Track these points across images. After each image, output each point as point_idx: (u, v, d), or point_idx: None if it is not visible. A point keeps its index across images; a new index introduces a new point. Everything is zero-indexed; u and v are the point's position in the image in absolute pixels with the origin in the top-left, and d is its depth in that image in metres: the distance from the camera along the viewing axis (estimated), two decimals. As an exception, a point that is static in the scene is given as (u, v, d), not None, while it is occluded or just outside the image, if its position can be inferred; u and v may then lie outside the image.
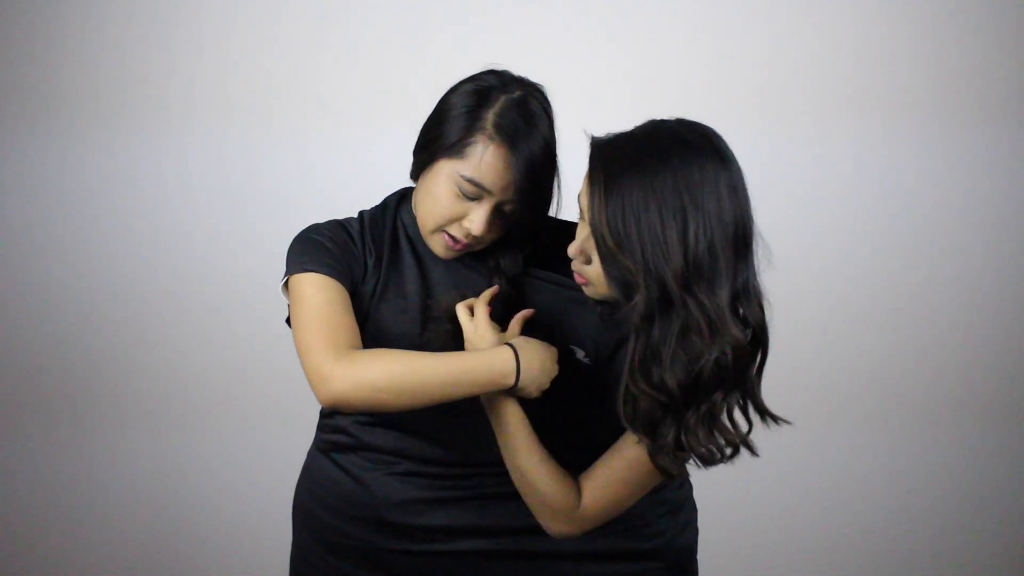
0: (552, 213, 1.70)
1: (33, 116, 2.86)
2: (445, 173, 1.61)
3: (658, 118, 1.48)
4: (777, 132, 2.85)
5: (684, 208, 1.37)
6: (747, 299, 1.43)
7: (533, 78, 1.66)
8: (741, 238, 1.41)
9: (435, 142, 1.62)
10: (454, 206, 1.61)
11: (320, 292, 1.61)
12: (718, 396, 1.42)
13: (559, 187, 1.67)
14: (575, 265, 1.54)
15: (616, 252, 1.39)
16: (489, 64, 1.67)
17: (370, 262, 1.70)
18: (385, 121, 2.70)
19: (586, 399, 1.67)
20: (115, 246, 2.92)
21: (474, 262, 1.71)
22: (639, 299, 1.39)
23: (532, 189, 1.59)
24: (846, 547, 3.06)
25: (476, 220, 1.60)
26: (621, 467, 1.58)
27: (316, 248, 1.66)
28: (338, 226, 1.72)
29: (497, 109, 1.59)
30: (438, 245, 1.67)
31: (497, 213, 1.62)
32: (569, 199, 1.67)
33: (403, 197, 1.77)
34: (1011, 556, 3.06)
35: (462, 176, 1.59)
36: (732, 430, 1.46)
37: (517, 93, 1.60)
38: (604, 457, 1.60)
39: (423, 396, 1.51)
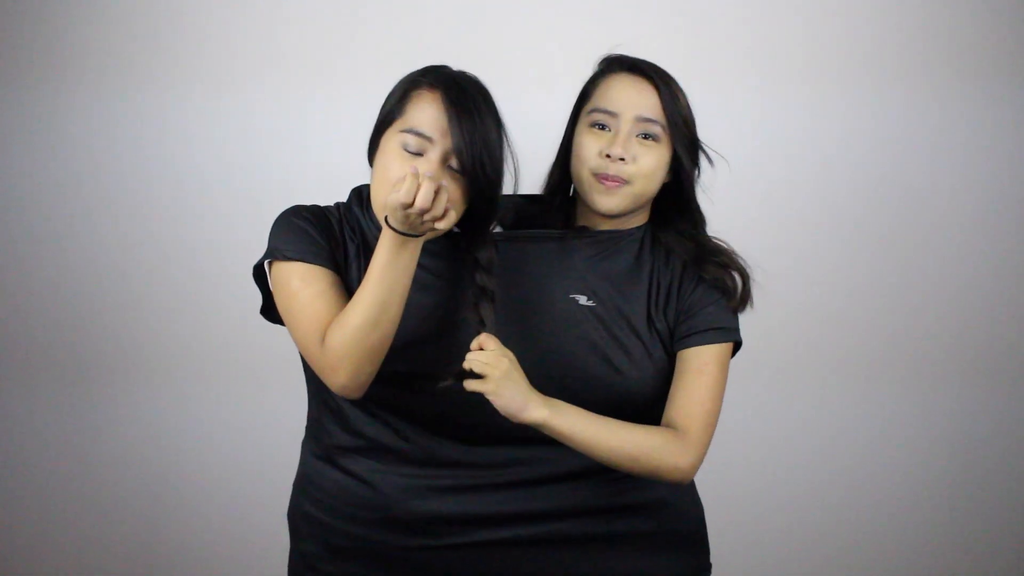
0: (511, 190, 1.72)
1: (38, 73, 2.84)
2: (390, 139, 1.63)
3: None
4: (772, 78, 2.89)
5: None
6: None
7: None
8: None
9: (380, 120, 1.67)
10: (401, 167, 1.59)
11: (308, 285, 1.63)
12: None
13: (514, 159, 1.69)
14: (613, 168, 1.71)
15: (687, 125, 1.76)
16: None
17: (351, 250, 1.71)
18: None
19: (602, 340, 1.72)
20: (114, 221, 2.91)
21: (446, 259, 1.71)
22: (698, 161, 1.79)
23: (474, 138, 1.59)
24: (844, 510, 3.05)
25: (424, 166, 1.59)
26: (695, 380, 1.72)
27: (300, 233, 1.66)
28: (321, 211, 1.72)
29: (432, 75, 1.65)
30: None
31: (446, 172, 1.60)
32: (529, 179, 1.74)
33: (359, 195, 1.77)
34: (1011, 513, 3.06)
35: (403, 132, 1.61)
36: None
37: (456, 70, 1.67)
38: (677, 383, 1.73)
39: (383, 317, 1.57)
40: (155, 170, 2.86)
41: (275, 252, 1.66)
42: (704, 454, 1.71)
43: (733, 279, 1.76)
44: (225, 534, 3.01)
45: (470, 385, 1.60)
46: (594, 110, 1.75)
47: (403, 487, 1.73)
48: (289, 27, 2.80)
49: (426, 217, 1.52)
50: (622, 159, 1.70)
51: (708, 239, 1.80)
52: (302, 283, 1.63)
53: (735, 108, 2.81)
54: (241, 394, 2.96)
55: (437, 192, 1.51)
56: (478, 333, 1.63)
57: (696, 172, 1.79)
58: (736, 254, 1.79)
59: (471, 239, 1.68)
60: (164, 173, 2.86)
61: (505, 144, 1.66)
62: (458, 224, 1.68)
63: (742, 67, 2.83)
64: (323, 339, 1.60)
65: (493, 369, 1.59)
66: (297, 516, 1.84)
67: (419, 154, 1.60)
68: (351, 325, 1.57)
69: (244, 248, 2.29)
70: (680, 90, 1.76)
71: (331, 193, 1.86)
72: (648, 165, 1.72)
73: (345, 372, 1.59)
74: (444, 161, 1.60)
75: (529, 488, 1.71)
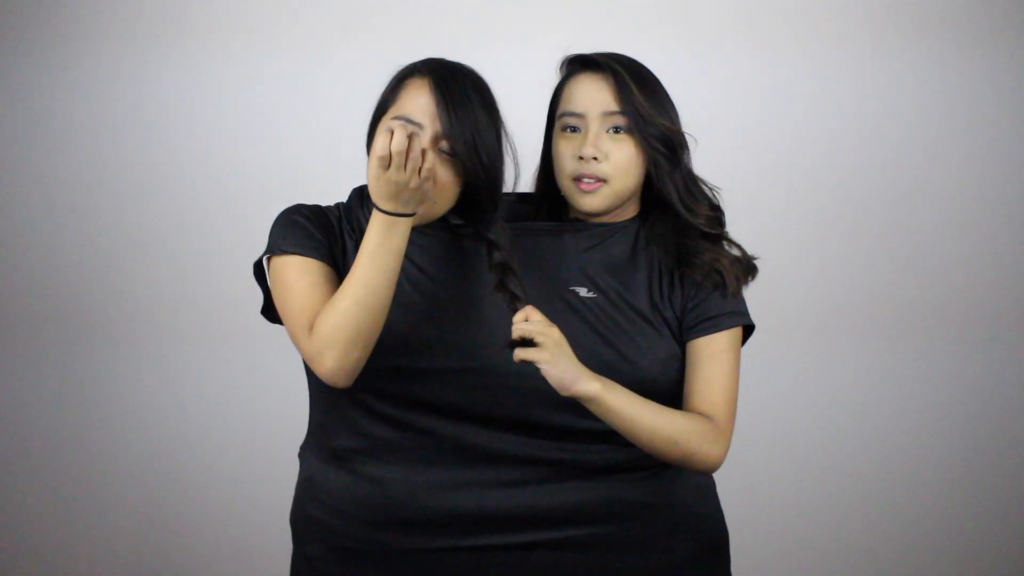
0: (511, 188, 1.73)
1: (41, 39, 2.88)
2: (383, 126, 1.64)
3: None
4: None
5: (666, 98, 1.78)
6: None
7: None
8: None
9: (374, 113, 1.70)
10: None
11: (303, 276, 1.65)
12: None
13: (513, 151, 1.71)
14: (587, 169, 1.70)
15: (655, 115, 1.71)
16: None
17: (350, 246, 1.72)
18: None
19: (609, 330, 1.71)
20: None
21: (459, 241, 1.72)
22: (682, 143, 1.75)
23: (463, 123, 1.61)
24: (845, 475, 3.07)
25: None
26: (712, 368, 1.71)
27: (299, 229, 1.68)
28: (321, 210, 1.74)
29: (424, 64, 1.68)
30: None
31: (440, 155, 1.62)
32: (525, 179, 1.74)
33: (360, 194, 1.78)
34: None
35: (393, 119, 1.63)
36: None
37: (452, 61, 1.69)
38: (693, 373, 1.72)
39: (372, 301, 1.57)
40: (158, 154, 2.90)
41: (273, 248, 1.69)
42: (730, 442, 1.71)
43: (721, 273, 1.74)
44: (226, 538, 3.03)
45: (523, 354, 1.56)
46: (563, 114, 1.75)
47: (412, 485, 1.72)
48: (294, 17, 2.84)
49: (408, 171, 1.51)
50: (595, 158, 1.70)
51: (692, 235, 1.76)
52: (298, 275, 1.65)
53: (729, 70, 2.86)
54: (241, 398, 2.99)
55: (411, 139, 1.51)
56: (512, 310, 1.60)
57: (675, 159, 1.74)
58: (724, 249, 1.77)
59: (479, 222, 1.69)
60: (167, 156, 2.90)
61: (502, 133, 1.68)
62: (461, 214, 1.69)
63: (739, 37, 2.87)
64: (311, 325, 1.60)
65: (546, 337, 1.56)
66: (300, 520, 1.83)
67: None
68: (339, 308, 1.57)
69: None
70: (640, 76, 1.74)
71: (329, 175, 1.93)
72: (621, 159, 1.71)
73: (332, 356, 1.58)
74: (434, 145, 1.62)
75: (542, 485, 1.70)
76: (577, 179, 1.71)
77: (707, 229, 1.75)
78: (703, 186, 1.79)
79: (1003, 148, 2.97)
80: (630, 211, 1.79)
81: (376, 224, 1.56)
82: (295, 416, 1.97)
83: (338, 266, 1.70)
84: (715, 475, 1.83)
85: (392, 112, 1.65)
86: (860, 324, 3.02)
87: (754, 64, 2.92)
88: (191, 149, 2.92)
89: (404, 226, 1.57)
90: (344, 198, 1.80)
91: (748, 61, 2.92)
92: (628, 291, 1.73)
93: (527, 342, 1.56)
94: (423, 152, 1.52)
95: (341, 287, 1.59)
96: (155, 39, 2.89)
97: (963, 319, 3.02)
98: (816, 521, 3.05)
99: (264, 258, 1.72)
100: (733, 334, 1.74)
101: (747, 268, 1.77)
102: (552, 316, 1.62)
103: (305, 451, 1.85)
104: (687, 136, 1.77)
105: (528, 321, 1.57)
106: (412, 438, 1.71)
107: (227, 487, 3.02)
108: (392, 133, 1.51)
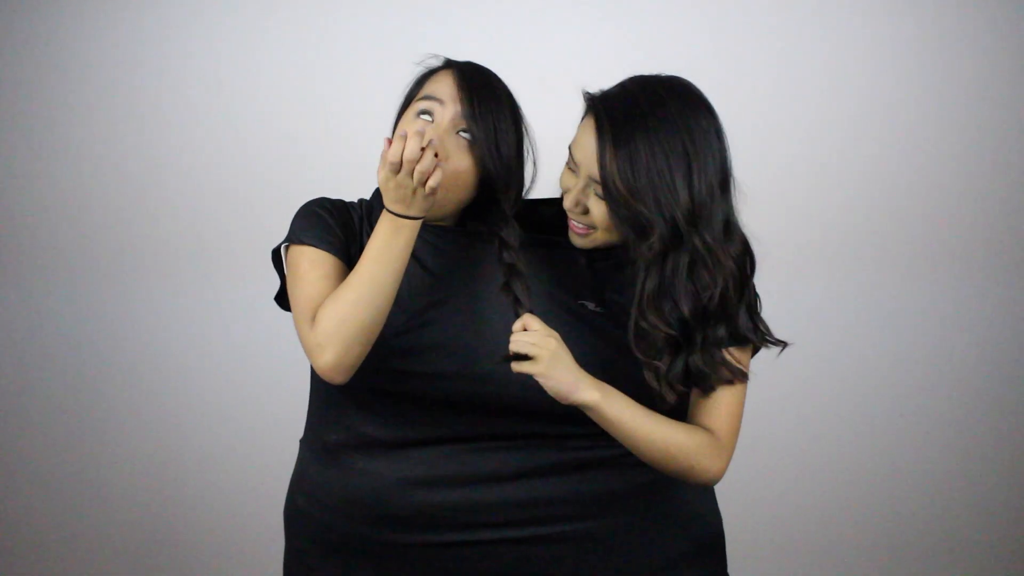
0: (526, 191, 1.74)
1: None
2: (409, 114, 1.68)
3: (641, 74, 1.66)
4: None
5: (687, 154, 1.56)
6: (731, 235, 1.62)
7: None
8: (725, 178, 1.62)
9: (398, 113, 1.73)
10: (410, 128, 1.60)
11: (315, 267, 1.66)
12: (720, 327, 1.62)
13: (533, 151, 1.72)
14: (575, 216, 1.64)
15: (628, 197, 1.55)
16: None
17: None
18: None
19: (611, 345, 1.69)
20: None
21: (472, 242, 1.72)
22: (655, 238, 1.55)
23: (484, 106, 1.64)
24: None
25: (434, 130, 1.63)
26: (720, 391, 1.66)
27: (319, 221, 1.70)
28: (344, 205, 1.76)
29: (448, 60, 1.71)
30: None
31: (454, 138, 1.64)
32: (549, 178, 1.73)
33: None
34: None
35: (417, 100, 1.67)
36: (730, 360, 1.65)
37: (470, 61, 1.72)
38: (698, 391, 1.67)
39: (375, 299, 1.58)
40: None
41: (292, 237, 1.71)
42: (731, 457, 1.69)
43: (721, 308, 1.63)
44: (222, 531, 3.03)
45: (519, 367, 1.57)
46: (569, 151, 1.66)
47: (401, 481, 1.72)
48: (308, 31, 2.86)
49: (417, 175, 1.52)
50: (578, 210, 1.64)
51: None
52: (310, 265, 1.67)
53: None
54: (241, 398, 2.99)
55: (424, 148, 1.52)
56: (515, 315, 1.61)
57: (645, 245, 1.56)
58: (719, 283, 1.59)
59: (491, 219, 1.69)
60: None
61: (524, 132, 1.70)
62: (476, 209, 1.70)
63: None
64: (314, 317, 1.61)
65: (541, 349, 1.56)
66: (292, 513, 1.84)
67: (428, 113, 1.65)
68: (341, 303, 1.58)
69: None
70: (634, 142, 1.54)
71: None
72: (601, 218, 1.62)
73: (332, 350, 1.58)
74: (453, 125, 1.64)
75: (536, 480, 1.70)
76: (570, 217, 1.67)
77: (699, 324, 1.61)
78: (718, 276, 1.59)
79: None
80: None
81: (384, 224, 1.58)
82: (299, 409, 1.97)
83: (352, 263, 1.69)
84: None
85: (416, 101, 1.67)
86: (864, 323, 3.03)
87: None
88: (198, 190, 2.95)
89: (411, 228, 1.58)
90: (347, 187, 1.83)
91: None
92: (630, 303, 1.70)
93: (523, 355, 1.57)
94: (434, 157, 1.53)
95: (345, 282, 1.60)
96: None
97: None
98: (815, 521, 3.07)
99: (283, 247, 1.73)
100: (742, 352, 1.70)
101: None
102: (560, 327, 1.62)
103: (302, 443, 1.85)
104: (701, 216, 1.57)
105: (526, 331, 1.58)
106: (404, 436, 1.72)
107: (228, 479, 3.03)
108: (405, 139, 1.52)
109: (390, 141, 1.53)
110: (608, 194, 1.57)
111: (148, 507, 3.04)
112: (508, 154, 1.65)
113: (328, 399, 1.77)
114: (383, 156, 1.54)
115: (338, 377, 1.61)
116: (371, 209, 1.76)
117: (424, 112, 1.65)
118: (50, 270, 2.99)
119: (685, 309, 1.58)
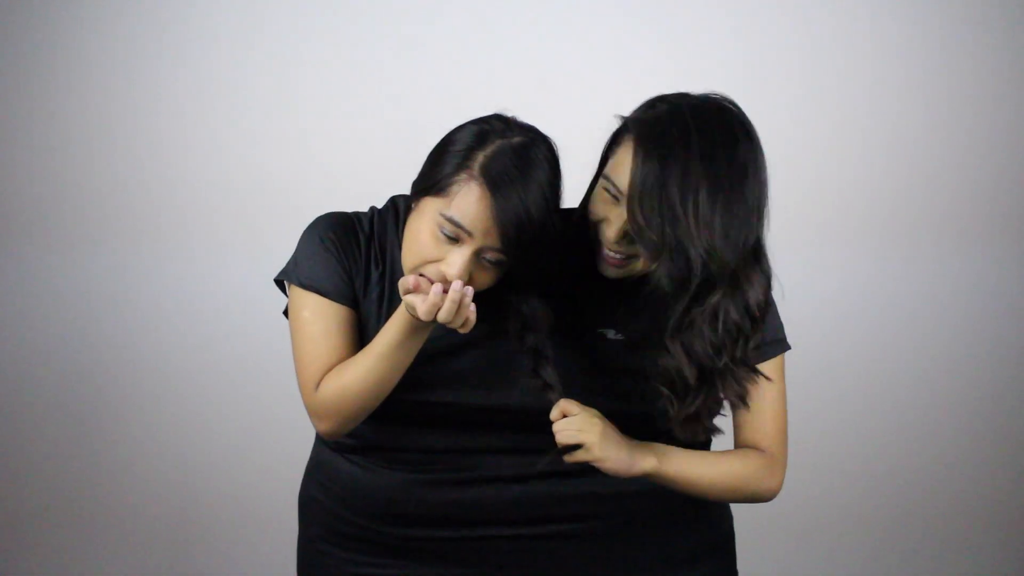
0: None
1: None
2: (428, 211, 1.54)
3: (685, 93, 1.56)
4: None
5: (745, 199, 1.47)
6: (759, 256, 1.55)
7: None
8: (763, 205, 1.53)
9: (426, 179, 1.57)
10: (433, 247, 1.53)
11: (318, 319, 1.62)
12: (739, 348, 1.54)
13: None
14: (618, 246, 1.54)
15: (664, 243, 1.46)
16: (500, 108, 1.61)
17: (374, 275, 1.68)
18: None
19: (630, 375, 1.64)
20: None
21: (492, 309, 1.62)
22: (697, 272, 1.46)
23: (520, 239, 1.51)
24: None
25: (453, 263, 1.52)
26: (761, 399, 1.64)
27: (322, 261, 1.64)
28: (352, 227, 1.68)
29: (489, 151, 1.52)
30: None
31: (479, 263, 1.54)
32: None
33: (396, 210, 1.72)
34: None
35: (443, 215, 1.52)
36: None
37: (517, 139, 1.54)
38: (743, 411, 1.65)
39: (379, 389, 1.58)
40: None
41: (293, 272, 1.65)
42: (786, 468, 1.70)
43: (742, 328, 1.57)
44: (238, 514, 3.08)
45: (573, 458, 1.54)
46: (606, 178, 1.55)
47: (408, 481, 1.73)
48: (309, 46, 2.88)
49: (446, 319, 1.48)
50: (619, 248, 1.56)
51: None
52: (312, 316, 1.63)
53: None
54: (250, 393, 3.03)
55: (460, 305, 1.47)
56: (546, 399, 1.57)
57: (683, 288, 1.49)
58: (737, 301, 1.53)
59: (515, 294, 1.60)
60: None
61: (557, 218, 1.56)
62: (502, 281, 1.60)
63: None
64: (318, 385, 1.61)
65: (588, 435, 1.53)
66: (306, 500, 1.87)
67: (454, 240, 1.52)
68: (347, 388, 1.58)
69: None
70: (697, 181, 1.45)
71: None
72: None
73: (330, 423, 1.62)
74: (478, 254, 1.53)
75: (548, 480, 1.70)
76: (603, 250, 1.58)
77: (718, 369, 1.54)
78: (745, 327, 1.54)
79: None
80: None
81: (399, 323, 1.53)
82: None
83: (357, 299, 1.66)
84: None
85: (442, 204, 1.52)
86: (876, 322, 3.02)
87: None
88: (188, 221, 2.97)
89: (428, 331, 1.56)
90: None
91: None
92: (655, 331, 1.61)
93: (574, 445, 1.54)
94: (462, 303, 1.47)
95: (354, 363, 1.57)
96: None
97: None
98: (826, 518, 3.07)
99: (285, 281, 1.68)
100: (776, 361, 1.68)
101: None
102: (577, 361, 1.63)
103: (317, 435, 1.87)
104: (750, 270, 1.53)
105: (566, 418, 1.54)
106: (411, 444, 1.72)
107: (244, 466, 3.07)
108: (438, 302, 1.46)
109: (417, 284, 1.48)
110: (661, 228, 1.46)
111: (161, 494, 3.08)
112: (541, 255, 1.55)
113: None
114: (412, 301, 1.48)
115: (334, 438, 1.68)
116: (384, 227, 1.70)
117: (448, 233, 1.52)
118: (56, 241, 3.02)
119: (710, 339, 1.50)
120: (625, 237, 1.53)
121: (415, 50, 2.86)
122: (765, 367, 1.63)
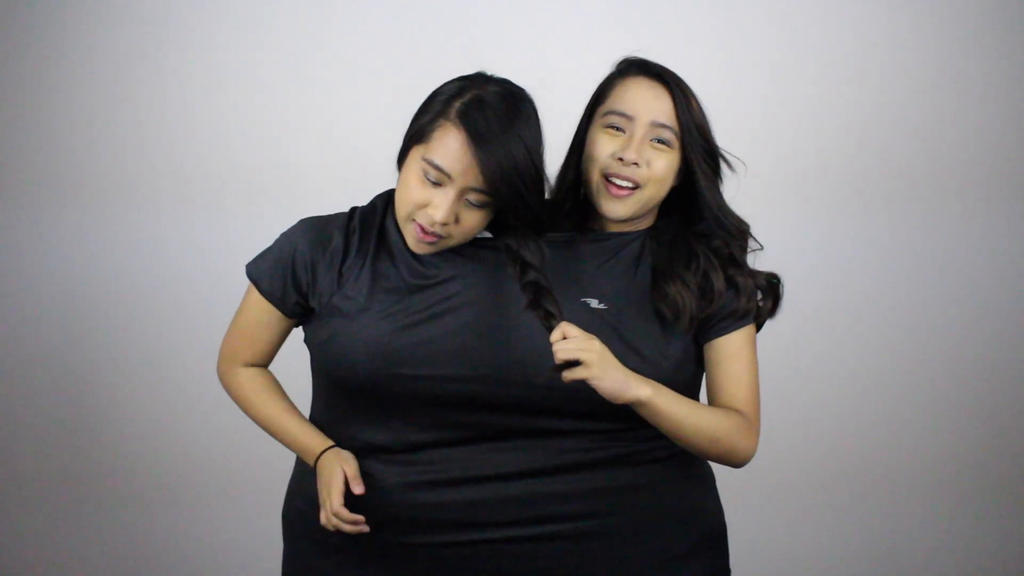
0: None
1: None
2: (414, 159, 1.64)
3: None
4: None
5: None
6: None
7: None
8: None
9: (411, 132, 1.68)
10: (420, 192, 1.63)
11: (255, 310, 1.79)
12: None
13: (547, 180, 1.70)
14: (633, 172, 1.71)
15: (708, 134, 1.76)
16: (486, 63, 1.73)
17: (351, 259, 1.74)
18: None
19: (614, 345, 1.66)
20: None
21: (486, 254, 1.73)
22: (717, 168, 1.77)
23: (501, 178, 1.60)
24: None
25: (438, 206, 1.62)
26: (734, 366, 1.74)
27: (279, 266, 1.75)
28: (327, 235, 1.75)
29: (467, 98, 1.63)
30: (411, 236, 1.69)
31: (464, 204, 1.63)
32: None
33: (389, 200, 1.78)
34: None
35: (424, 160, 1.62)
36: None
37: (493, 88, 1.65)
38: (717, 371, 1.75)
39: (264, 428, 1.84)
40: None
41: (251, 264, 1.79)
42: (759, 434, 1.75)
43: (751, 292, 1.77)
44: (220, 535, 3.05)
45: (572, 375, 1.55)
46: (610, 112, 1.75)
47: (404, 484, 1.72)
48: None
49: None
50: (635, 163, 1.70)
51: (699, 245, 1.78)
52: (252, 305, 1.79)
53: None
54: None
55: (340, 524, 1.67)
56: (548, 328, 1.58)
57: (717, 178, 1.78)
58: (753, 277, 1.78)
59: (511, 239, 1.69)
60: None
61: (542, 156, 1.66)
62: (497, 228, 1.70)
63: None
64: (227, 370, 1.84)
65: (589, 353, 1.55)
66: (292, 515, 1.85)
67: (438, 184, 1.62)
68: (246, 405, 1.83)
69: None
70: (694, 97, 1.76)
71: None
72: (660, 170, 1.72)
73: (223, 387, 1.87)
74: (461, 195, 1.62)
75: (541, 479, 1.70)
76: (609, 177, 1.72)
77: (727, 241, 1.77)
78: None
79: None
80: (646, 222, 1.79)
81: (309, 451, 1.76)
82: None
83: (299, 303, 1.75)
84: (714, 467, 1.84)
85: (424, 150, 1.63)
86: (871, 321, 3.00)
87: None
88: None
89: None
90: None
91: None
92: (637, 300, 1.73)
93: (572, 363, 1.54)
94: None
95: (264, 405, 1.82)
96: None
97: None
98: (817, 518, 3.05)
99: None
100: (749, 330, 1.77)
101: (769, 307, 1.80)
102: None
103: None
104: (736, 160, 1.81)
105: (566, 339, 1.55)
106: (406, 441, 1.72)
107: (229, 481, 3.06)
108: (335, 522, 1.67)
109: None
110: (688, 134, 1.73)
111: (144, 504, 3.08)
112: (528, 192, 1.64)
113: (330, 406, 1.77)
114: (325, 507, 1.68)
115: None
116: (364, 219, 1.76)
117: (432, 179, 1.62)
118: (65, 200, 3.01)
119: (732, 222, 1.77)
120: (641, 157, 1.71)
121: (421, 43, 2.89)
122: (740, 334, 1.75)
